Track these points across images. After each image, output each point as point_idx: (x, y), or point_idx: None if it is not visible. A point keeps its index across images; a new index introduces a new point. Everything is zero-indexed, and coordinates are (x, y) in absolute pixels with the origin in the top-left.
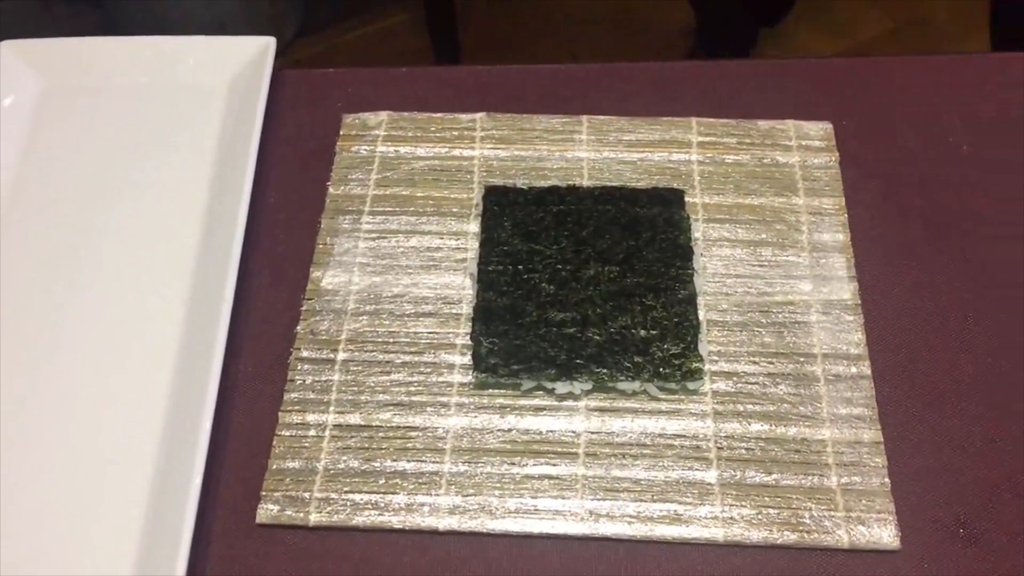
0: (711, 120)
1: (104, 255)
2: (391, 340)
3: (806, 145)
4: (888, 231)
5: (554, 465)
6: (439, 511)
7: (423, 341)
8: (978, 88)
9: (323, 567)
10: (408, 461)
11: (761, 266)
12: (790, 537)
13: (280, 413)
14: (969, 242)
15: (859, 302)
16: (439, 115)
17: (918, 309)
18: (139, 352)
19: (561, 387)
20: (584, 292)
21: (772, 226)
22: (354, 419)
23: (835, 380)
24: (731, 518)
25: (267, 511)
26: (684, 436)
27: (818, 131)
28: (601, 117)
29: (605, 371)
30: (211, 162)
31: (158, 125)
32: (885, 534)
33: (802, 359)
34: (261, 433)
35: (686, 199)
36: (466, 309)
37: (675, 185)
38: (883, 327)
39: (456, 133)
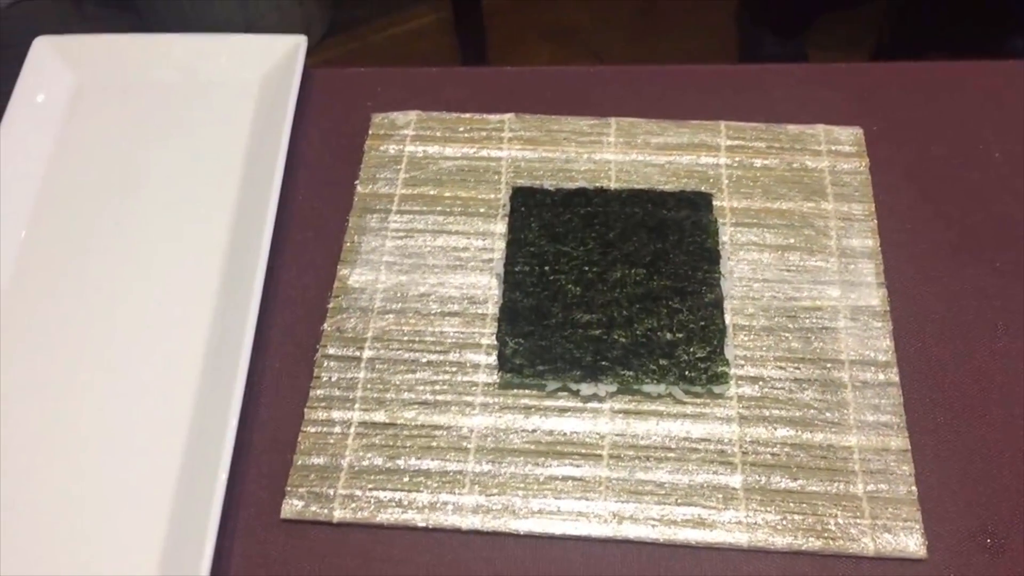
0: (740, 124)
1: (134, 252)
2: (417, 339)
3: (836, 150)
4: (918, 237)
5: (578, 467)
6: (462, 510)
7: (449, 340)
8: (1010, 93)
9: (346, 563)
10: (432, 460)
11: (789, 271)
12: (815, 544)
13: (306, 409)
14: (1000, 249)
15: (888, 308)
16: (467, 115)
17: (947, 316)
18: (167, 348)
19: (586, 389)
20: (610, 294)
21: (800, 231)
22: (379, 417)
23: (862, 387)
24: (756, 523)
25: (292, 507)
26: (709, 440)
27: (848, 136)
28: (629, 119)
29: (630, 373)
30: (241, 160)
31: (189, 122)
32: (911, 543)
33: (829, 365)
34: (287, 429)
35: (714, 203)
36: (492, 309)
37: (703, 188)
38: (912, 334)
39: (484, 134)
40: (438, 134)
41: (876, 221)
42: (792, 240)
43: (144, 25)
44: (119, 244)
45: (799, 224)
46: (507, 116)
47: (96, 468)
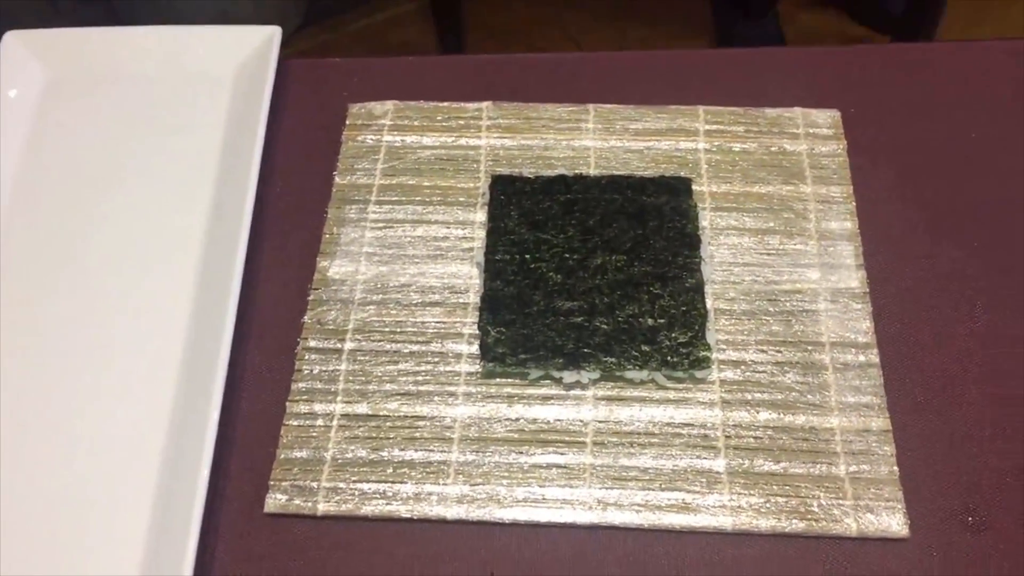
0: (718, 108)
1: (110, 246)
2: (398, 329)
3: (814, 133)
4: (897, 219)
5: (562, 454)
6: (447, 500)
7: (430, 330)
8: (985, 74)
9: (331, 556)
10: (416, 450)
11: (769, 254)
12: (798, 525)
13: (288, 403)
14: (979, 229)
15: (867, 290)
16: (445, 104)
17: (927, 297)
18: (146, 344)
19: (568, 376)
20: (591, 281)
21: (780, 214)
22: (362, 408)
23: (843, 368)
24: (739, 507)
25: (275, 500)
26: (692, 425)
27: (826, 119)
28: (608, 106)
29: (612, 360)
30: (217, 152)
31: (163, 115)
32: (894, 522)
33: (810, 347)
34: (269, 423)
35: (693, 187)
36: (473, 298)
37: (682, 173)
38: (892, 315)
39: (462, 122)
40: (416, 123)
41: (855, 203)
42: (772, 224)
43: (117, 18)
44: (94, 239)
45: (778, 207)
46: (485, 104)
47: (77, 465)
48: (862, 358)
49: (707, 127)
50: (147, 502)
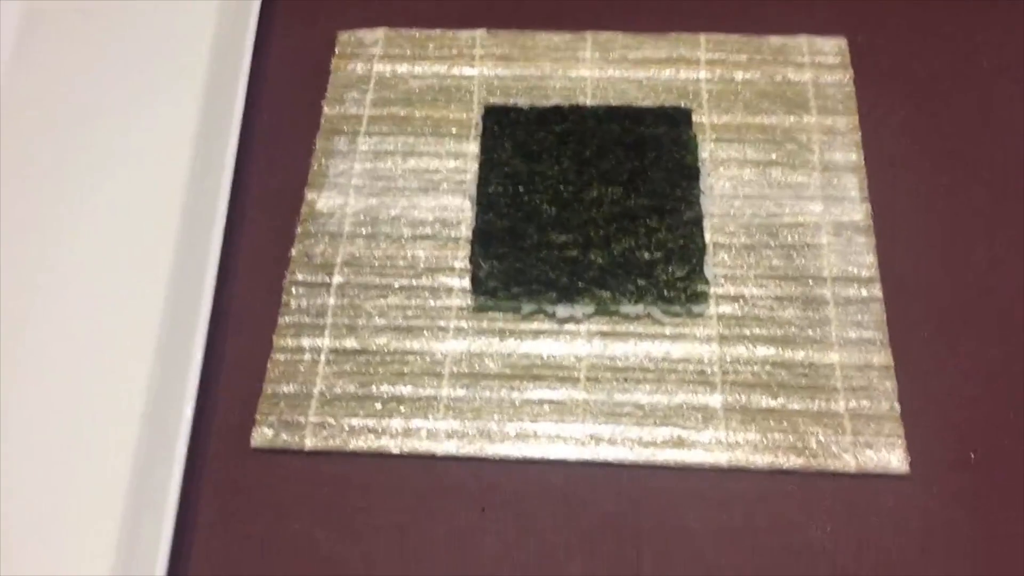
0: (720, 36)
1: (93, 178)
2: (388, 263)
3: (819, 62)
4: (903, 151)
5: (555, 390)
6: (437, 435)
7: (421, 264)
8: (999, 3)
9: (319, 491)
10: (405, 385)
11: (770, 187)
12: (796, 461)
13: (275, 337)
14: (988, 162)
15: (871, 224)
16: (437, 32)
17: (933, 231)
18: (130, 276)
19: (562, 310)
20: (587, 214)
21: (782, 146)
22: (350, 343)
23: (845, 303)
24: (736, 442)
25: (262, 435)
26: (688, 360)
27: (832, 47)
28: (606, 34)
29: (608, 294)
30: (201, 82)
31: (146, 45)
32: (893, 459)
33: (811, 282)
34: (256, 357)
35: (693, 118)
36: (465, 232)
37: (682, 104)
38: (896, 249)
39: (455, 51)
40: (407, 52)
41: (860, 134)
42: (774, 155)
43: None
44: (76, 173)
45: (781, 139)
46: (478, 32)
47: (63, 398)
48: (864, 292)
49: (708, 56)
50: (132, 435)
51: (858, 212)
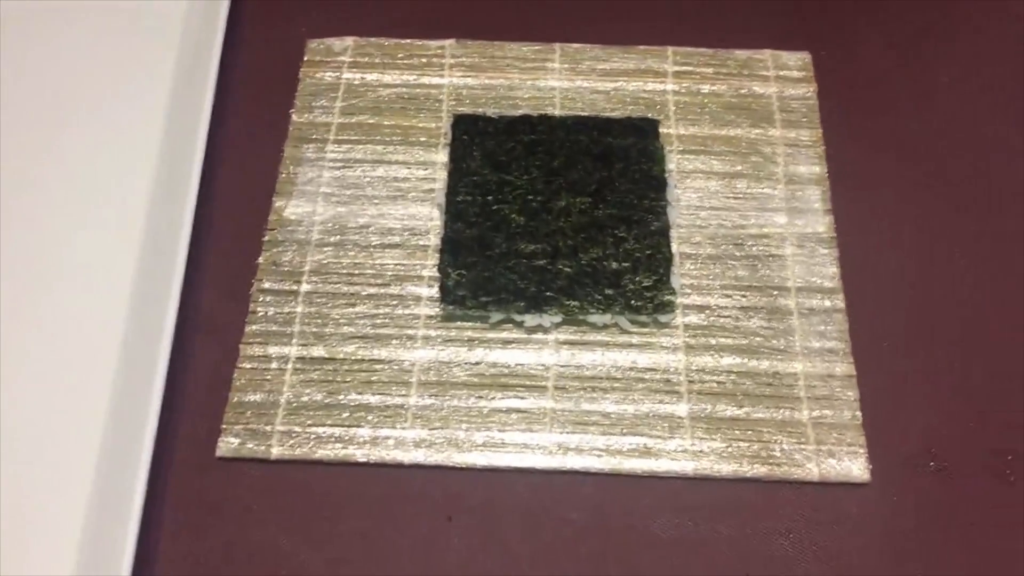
0: (688, 49)
1: (57, 183)
2: (356, 272)
3: (784, 76)
4: (866, 163)
5: (523, 399)
6: (405, 444)
7: (389, 273)
8: (959, 19)
9: (285, 500)
10: (373, 394)
11: (736, 198)
12: (760, 470)
13: (241, 345)
14: (949, 175)
15: (834, 235)
16: (407, 41)
17: (895, 242)
18: (95, 282)
19: (530, 320)
20: (555, 223)
21: (748, 158)
22: (318, 352)
23: (809, 313)
24: (701, 451)
25: (228, 444)
26: (655, 369)
27: (796, 61)
28: (575, 45)
29: (575, 303)
30: (168, 89)
31: (113, 50)
32: (855, 467)
33: (776, 292)
34: (222, 366)
35: (661, 130)
36: (434, 240)
37: (650, 115)
38: (859, 260)
39: (424, 60)
40: (376, 60)
41: (823, 147)
42: (739, 167)
43: None
44: (40, 175)
45: (746, 151)
46: (448, 42)
47: (24, 404)
48: (828, 303)
49: (676, 68)
50: (95, 443)
51: (821, 224)
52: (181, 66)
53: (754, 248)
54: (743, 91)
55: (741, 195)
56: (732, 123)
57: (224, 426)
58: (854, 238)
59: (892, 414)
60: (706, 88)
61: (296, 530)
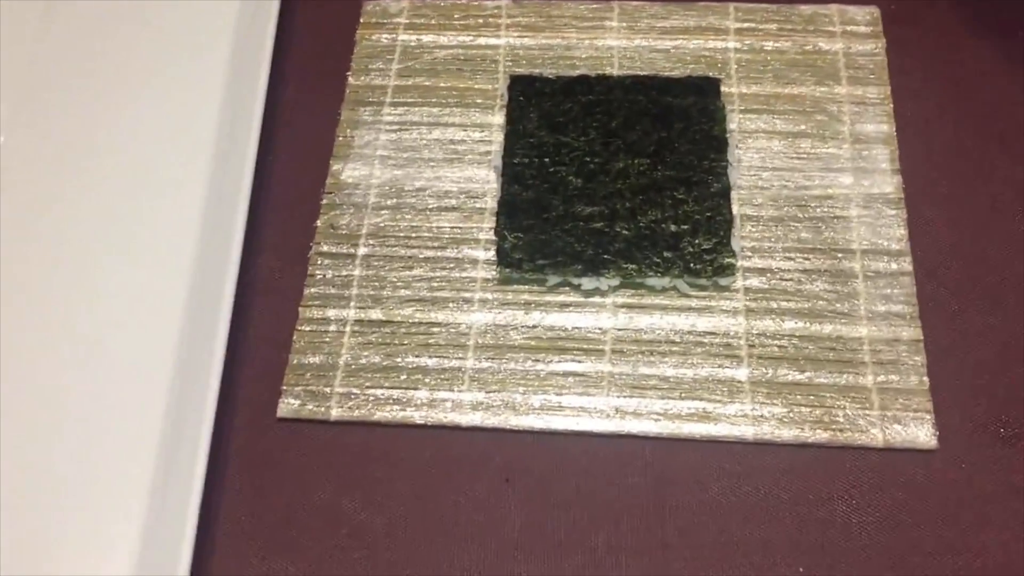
0: (750, 5)
1: (119, 150)
2: (413, 235)
3: (851, 31)
4: (936, 121)
5: (580, 362)
6: (462, 407)
7: (446, 236)
8: None
9: (344, 461)
10: (430, 357)
11: (800, 158)
12: (822, 435)
13: (300, 308)
14: (1022, 134)
15: (902, 196)
16: (463, 1)
17: (965, 203)
18: (157, 249)
19: (588, 283)
20: (613, 185)
21: (812, 116)
22: (375, 314)
23: (874, 276)
24: (761, 416)
25: (288, 405)
26: (714, 333)
27: (864, 16)
28: (633, 3)
29: (633, 266)
30: (226, 54)
31: (173, 17)
32: (922, 433)
33: (840, 255)
34: (282, 328)
35: (722, 88)
36: (490, 203)
37: (711, 74)
38: (927, 222)
39: (481, 20)
40: (432, 22)
41: (892, 105)
42: (803, 126)
43: None
44: (102, 143)
45: (811, 110)
46: (504, 2)
47: (90, 370)
48: (894, 266)
49: (738, 25)
50: (159, 406)
51: (889, 184)
52: (239, 31)
53: (818, 210)
54: (808, 47)
55: (805, 155)
56: (796, 81)
57: (284, 387)
58: (924, 199)
59: (961, 379)
60: (769, 45)
61: (355, 490)
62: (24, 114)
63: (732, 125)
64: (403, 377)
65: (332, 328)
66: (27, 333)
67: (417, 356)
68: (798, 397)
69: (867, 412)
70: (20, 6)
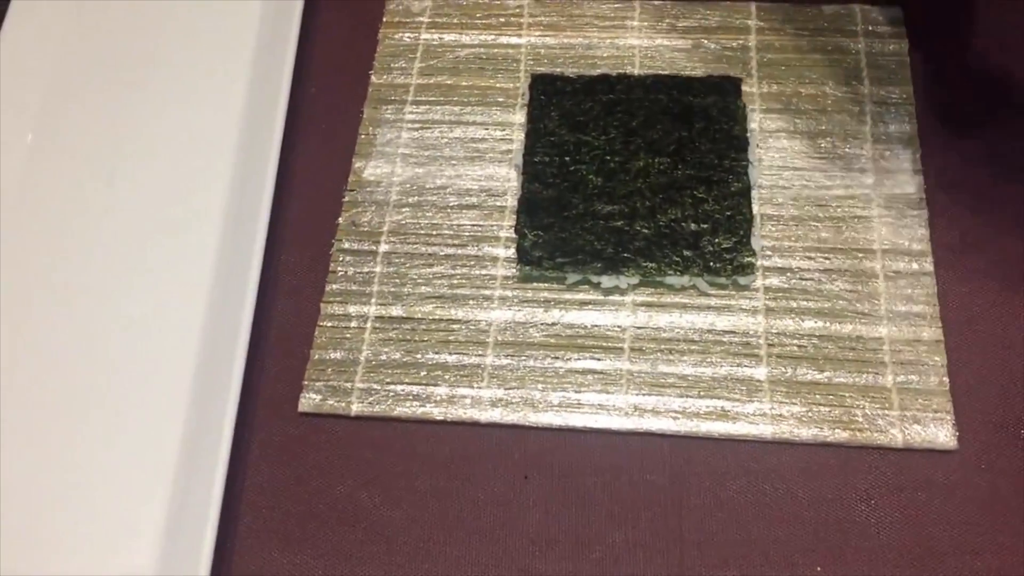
0: (771, 4)
1: (144, 148)
2: (434, 232)
3: (873, 31)
4: (960, 122)
5: (599, 360)
6: (481, 403)
7: (466, 233)
8: None
9: (364, 456)
10: (450, 353)
11: (820, 158)
12: (841, 435)
13: (322, 304)
14: None
15: (923, 196)
16: (485, 1)
17: (988, 205)
18: (181, 243)
19: (607, 281)
20: (633, 184)
21: (833, 116)
22: (396, 311)
23: (895, 276)
24: (780, 415)
25: (309, 400)
26: (734, 332)
27: (887, 16)
28: (655, 2)
29: (653, 265)
30: (250, 52)
31: (196, 17)
32: (941, 434)
33: (860, 255)
34: (303, 324)
35: (743, 88)
36: (511, 201)
37: (732, 73)
38: (949, 222)
39: (502, 19)
40: (455, 20)
41: (915, 105)
42: (825, 126)
43: None
44: (126, 142)
45: (832, 109)
46: (526, 1)
47: (114, 365)
48: (915, 266)
49: (759, 24)
50: (182, 400)
51: (911, 185)
52: (263, 30)
53: (839, 209)
54: (829, 47)
55: (826, 155)
56: (817, 80)
57: (306, 382)
58: (946, 199)
59: (981, 380)
60: (791, 44)
61: (375, 485)
62: (53, 112)
63: (753, 124)
64: (423, 373)
65: (353, 324)
66: (53, 329)
67: (437, 353)
68: (817, 397)
69: (887, 412)
70: (51, 7)
